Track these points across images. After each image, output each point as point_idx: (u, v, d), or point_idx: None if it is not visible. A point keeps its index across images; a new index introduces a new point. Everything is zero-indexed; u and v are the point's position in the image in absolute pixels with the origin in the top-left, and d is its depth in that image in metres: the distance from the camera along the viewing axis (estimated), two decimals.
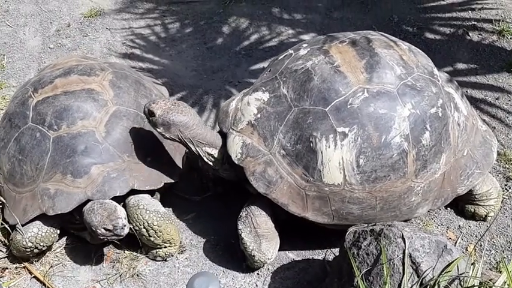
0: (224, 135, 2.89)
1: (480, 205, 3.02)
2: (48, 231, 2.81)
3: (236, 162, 2.76)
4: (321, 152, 2.60)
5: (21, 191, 2.88)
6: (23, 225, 2.79)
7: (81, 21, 4.85)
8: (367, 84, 2.61)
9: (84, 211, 2.70)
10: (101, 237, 2.66)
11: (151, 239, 2.81)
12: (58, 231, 2.88)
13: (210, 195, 3.30)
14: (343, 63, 2.69)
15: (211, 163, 2.94)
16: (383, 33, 3.00)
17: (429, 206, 2.81)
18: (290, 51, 2.94)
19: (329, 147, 2.58)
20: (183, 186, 3.33)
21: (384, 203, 2.68)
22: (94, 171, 2.79)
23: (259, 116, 2.77)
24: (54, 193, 2.77)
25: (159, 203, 3.01)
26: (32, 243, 2.77)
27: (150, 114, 2.82)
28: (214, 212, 3.21)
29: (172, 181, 3.07)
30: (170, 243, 2.88)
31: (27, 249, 2.79)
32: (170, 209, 3.23)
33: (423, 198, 2.74)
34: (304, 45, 2.93)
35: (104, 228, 2.61)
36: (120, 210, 2.70)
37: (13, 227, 2.87)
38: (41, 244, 2.80)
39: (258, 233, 2.76)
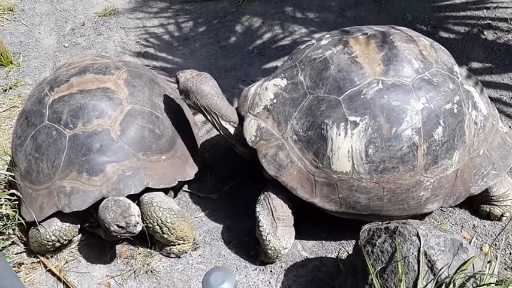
0: (242, 119, 2.97)
1: (496, 205, 2.99)
2: (70, 225, 2.87)
3: (250, 144, 2.84)
4: (331, 139, 2.64)
5: (38, 189, 2.91)
6: (39, 222, 2.83)
7: (95, 20, 4.89)
8: (382, 76, 2.63)
9: (99, 208, 2.73)
10: (114, 234, 2.69)
11: (165, 236, 2.83)
12: (79, 226, 2.93)
13: (223, 193, 3.31)
14: (361, 54, 2.71)
15: (226, 136, 3.08)
16: (406, 29, 2.99)
17: (440, 203, 2.80)
18: (312, 41, 2.98)
19: (339, 135, 2.62)
20: (197, 185, 3.35)
21: (392, 194, 2.69)
22: (109, 169, 2.82)
23: (275, 101, 2.84)
24: (70, 191, 2.80)
25: (173, 200, 3.03)
26: (56, 236, 2.82)
27: (176, 82, 3.12)
28: (227, 210, 3.22)
29: (187, 179, 3.09)
30: (184, 240, 2.90)
31: (49, 243, 2.83)
32: (184, 206, 3.25)
33: (433, 193, 2.73)
34: (327, 35, 2.96)
35: (117, 225, 2.64)
36: (134, 208, 2.72)
37: (30, 223, 2.91)
38: (64, 238, 2.86)
39: (275, 215, 2.81)
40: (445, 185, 2.73)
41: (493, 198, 2.96)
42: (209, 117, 3.07)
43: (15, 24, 4.92)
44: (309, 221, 3.10)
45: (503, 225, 2.98)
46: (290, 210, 2.86)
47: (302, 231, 3.05)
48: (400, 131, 2.58)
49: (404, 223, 2.30)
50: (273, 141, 2.80)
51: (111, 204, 2.69)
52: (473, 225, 3.03)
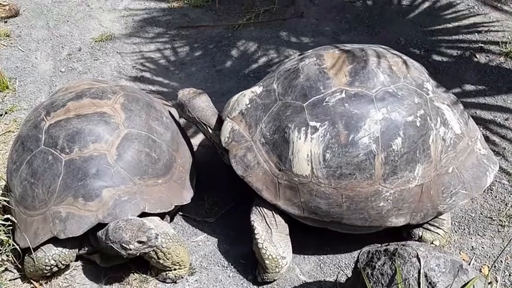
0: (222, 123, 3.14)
1: (429, 230, 2.98)
2: (70, 250, 2.83)
3: (223, 145, 3.01)
4: (293, 143, 2.75)
5: (33, 214, 2.88)
6: (34, 249, 2.79)
7: (92, 46, 4.92)
8: (347, 86, 2.74)
9: (108, 231, 2.69)
10: (134, 252, 2.65)
11: (161, 261, 2.80)
12: (77, 251, 2.89)
13: (220, 217, 3.30)
14: (331, 66, 2.85)
15: (216, 144, 3.24)
16: (386, 47, 3.08)
17: (406, 218, 2.82)
18: (296, 54, 3.11)
19: (300, 138, 2.73)
20: (194, 208, 3.33)
21: (351, 202, 2.74)
22: (105, 194, 2.79)
23: (249, 106, 3.00)
24: (65, 216, 2.77)
25: (169, 225, 3.01)
26: (55, 260, 2.79)
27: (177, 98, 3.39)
28: (224, 234, 3.20)
29: (183, 203, 3.07)
30: (180, 265, 2.86)
31: (47, 267, 2.80)
32: (180, 231, 3.22)
33: (394, 206, 2.75)
34: (310, 50, 3.10)
35: (138, 241, 2.61)
36: (148, 222, 2.71)
37: (24, 250, 2.87)
38: (62, 262, 2.82)
39: (268, 222, 2.89)
40: (408, 199, 2.76)
41: (429, 222, 2.96)
42: (200, 127, 3.33)
43: (11, 50, 4.94)
44: (307, 244, 3.09)
45: (503, 247, 2.98)
46: (281, 218, 2.92)
47: (300, 255, 3.03)
48: (357, 138, 2.66)
49: (403, 245, 2.29)
50: (243, 143, 2.93)
51: (123, 224, 2.66)
52: (472, 247, 3.02)
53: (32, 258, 2.81)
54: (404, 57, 3.01)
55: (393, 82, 2.77)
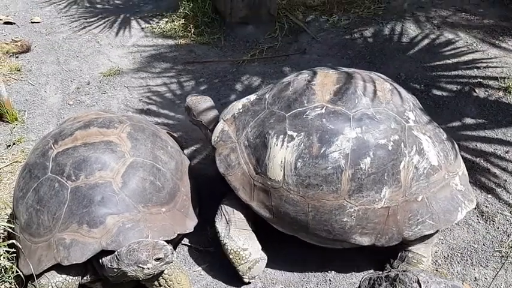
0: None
1: (410, 265, 2.96)
2: (73, 278, 2.82)
3: (212, 143, 3.21)
4: (270, 148, 2.91)
5: (37, 241, 2.88)
6: (37, 276, 2.79)
7: (100, 80, 5.05)
8: (329, 104, 2.89)
9: (121, 256, 2.68)
10: (152, 271, 2.66)
11: None
12: (80, 279, 2.88)
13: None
14: (319, 83, 3.01)
15: (211, 146, 3.33)
16: (385, 77, 3.20)
17: (371, 239, 2.86)
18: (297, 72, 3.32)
19: (277, 145, 2.89)
20: (196, 237, 3.35)
21: (316, 212, 2.83)
22: (109, 221, 2.81)
23: (241, 111, 3.20)
24: (69, 243, 2.77)
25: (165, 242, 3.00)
26: (58, 287, 2.78)
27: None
28: (225, 264, 3.19)
29: (186, 232, 3.09)
30: None
31: None
32: (182, 260, 3.23)
33: (358, 223, 2.81)
34: (310, 68, 3.30)
35: (156, 259, 2.62)
36: (160, 240, 2.73)
37: (28, 277, 2.88)
38: None
39: (227, 218, 3.06)
40: (373, 219, 2.80)
41: (409, 255, 2.97)
42: (202, 130, 3.55)
43: (21, 84, 5.07)
44: (309, 274, 3.08)
45: (506, 278, 2.96)
46: (245, 219, 3.08)
47: (302, 286, 3.02)
48: (328, 152, 2.77)
49: (404, 271, 2.30)
50: (229, 144, 3.12)
51: (137, 246, 2.67)
52: (475, 277, 3.01)
53: (35, 286, 2.81)
54: (396, 86, 3.11)
55: (374, 106, 2.88)
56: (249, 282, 3.07)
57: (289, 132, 2.87)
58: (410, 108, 2.99)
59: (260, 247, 3.09)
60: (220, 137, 3.17)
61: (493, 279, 2.96)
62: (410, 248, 2.97)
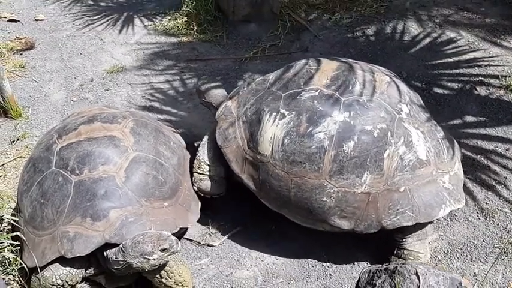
0: None
1: (406, 261, 2.96)
2: (77, 271, 2.85)
3: (216, 117, 3.43)
4: (263, 124, 3.06)
5: (41, 234, 2.91)
6: (41, 268, 2.82)
7: (103, 77, 5.09)
8: (323, 87, 3.00)
9: (126, 249, 2.71)
10: (158, 262, 2.69)
11: (163, 280, 2.82)
12: (83, 271, 2.91)
13: (224, 241, 3.34)
14: (319, 69, 3.15)
15: None
16: (387, 70, 3.27)
17: (351, 223, 2.92)
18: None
19: (269, 121, 3.04)
20: (198, 232, 3.39)
21: (298, 189, 2.94)
22: (112, 214, 2.84)
23: (245, 89, 3.41)
24: (73, 236, 2.80)
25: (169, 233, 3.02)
26: (62, 280, 2.81)
27: (197, 91, 3.89)
28: (228, 258, 3.23)
29: (188, 226, 3.12)
30: (183, 285, 2.88)
31: (53, 287, 2.81)
32: (185, 254, 3.26)
33: (337, 205, 2.88)
34: (316, 58, 3.40)
35: (161, 249, 2.65)
36: (166, 232, 2.76)
37: (31, 270, 2.91)
38: (69, 283, 2.84)
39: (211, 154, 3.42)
40: (352, 203, 2.86)
41: (405, 252, 2.98)
42: (212, 111, 3.69)
43: (25, 80, 5.11)
44: (310, 269, 3.11)
45: (505, 274, 2.98)
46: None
47: (303, 281, 3.05)
48: (314, 132, 2.88)
49: (403, 263, 2.33)
50: (229, 118, 3.32)
51: (142, 238, 2.71)
52: (474, 273, 3.03)
53: (38, 278, 2.85)
54: (397, 80, 3.15)
55: (366, 94, 2.96)
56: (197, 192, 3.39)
57: (282, 111, 3.01)
58: (406, 102, 3.02)
59: (224, 182, 3.44)
60: (223, 112, 3.38)
61: (488, 271, 2.98)
62: (404, 246, 2.99)
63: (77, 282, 2.93)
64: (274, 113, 3.03)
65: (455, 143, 3.25)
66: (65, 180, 2.93)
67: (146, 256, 2.67)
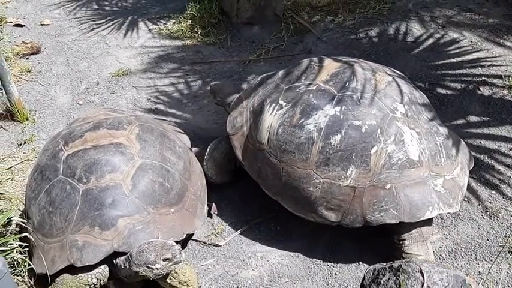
0: None
1: None
2: (106, 269, 2.89)
3: (228, 109, 3.69)
4: (263, 114, 3.25)
5: (50, 242, 2.95)
6: (51, 276, 2.85)
7: (109, 80, 5.13)
8: (322, 83, 3.14)
9: (132, 257, 2.75)
10: (161, 271, 2.72)
11: (168, 280, 2.86)
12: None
13: (230, 242, 3.39)
14: (322, 66, 3.27)
15: None
16: (393, 71, 3.32)
17: (337, 216, 3.00)
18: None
19: (268, 111, 3.22)
20: (204, 232, 3.44)
21: (288, 177, 3.08)
22: (120, 223, 2.86)
23: (257, 82, 3.60)
24: (82, 245, 2.83)
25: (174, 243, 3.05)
26: (98, 279, 2.84)
27: (210, 91, 4.12)
28: (233, 258, 3.27)
29: (195, 231, 3.16)
30: (188, 285, 2.91)
31: (89, 286, 2.84)
32: (190, 254, 3.31)
33: (322, 195, 2.98)
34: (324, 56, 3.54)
35: (164, 259, 2.69)
36: (170, 241, 2.79)
37: (42, 275, 2.94)
38: (102, 281, 2.87)
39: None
40: (337, 195, 2.95)
41: (402, 255, 3.00)
42: (226, 108, 3.82)
43: (32, 84, 5.16)
44: (315, 268, 3.15)
45: (510, 273, 3.01)
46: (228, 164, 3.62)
47: (308, 280, 3.09)
48: (305, 123, 3.02)
49: (407, 261, 2.37)
50: (239, 108, 3.54)
51: (147, 246, 2.74)
52: (479, 272, 3.06)
53: (75, 277, 2.82)
54: (399, 80, 3.18)
55: (362, 91, 3.03)
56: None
57: (280, 102, 3.18)
58: (404, 102, 3.05)
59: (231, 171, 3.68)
60: (235, 103, 3.62)
61: (490, 269, 3.01)
62: (402, 249, 3.00)
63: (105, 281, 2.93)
64: (274, 104, 3.21)
65: (465, 150, 3.25)
66: (72, 189, 2.95)
67: (149, 265, 2.71)
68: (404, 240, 2.99)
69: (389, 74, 3.21)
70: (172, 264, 2.74)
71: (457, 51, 4.91)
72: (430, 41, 5.09)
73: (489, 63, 4.69)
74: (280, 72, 3.49)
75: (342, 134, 2.92)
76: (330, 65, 3.25)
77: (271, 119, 3.18)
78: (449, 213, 3.13)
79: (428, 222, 3.02)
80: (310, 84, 3.15)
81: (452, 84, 4.54)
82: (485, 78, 4.52)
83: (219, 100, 3.94)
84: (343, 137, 2.92)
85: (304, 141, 3.01)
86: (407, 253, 2.99)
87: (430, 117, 3.15)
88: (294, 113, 3.08)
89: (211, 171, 3.61)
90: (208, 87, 4.38)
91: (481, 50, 4.88)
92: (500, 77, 4.50)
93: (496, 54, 4.81)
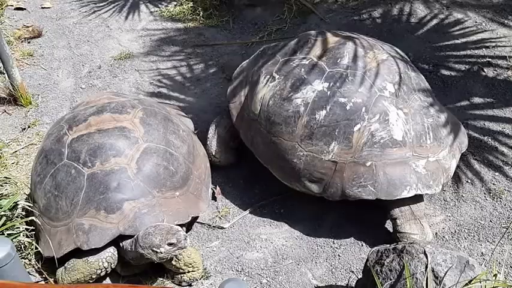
0: None
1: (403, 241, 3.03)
2: (115, 252, 2.93)
3: (230, 77, 3.76)
4: (258, 85, 3.35)
5: (56, 225, 2.99)
6: (58, 258, 2.90)
7: (111, 64, 5.11)
8: (315, 58, 3.19)
9: (138, 239, 2.79)
10: (166, 255, 2.77)
11: (173, 262, 2.90)
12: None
13: (234, 224, 3.42)
14: (321, 40, 3.30)
15: None
16: (392, 49, 3.34)
17: (320, 188, 3.10)
18: None
19: (262, 83, 3.32)
20: (208, 215, 3.47)
21: (275, 148, 3.19)
22: (126, 207, 2.89)
23: (259, 53, 3.65)
24: (88, 228, 2.87)
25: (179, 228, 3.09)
26: (108, 262, 2.89)
27: (221, 68, 4.39)
28: (238, 240, 3.31)
29: (199, 214, 3.19)
30: (193, 266, 2.96)
31: (101, 270, 2.88)
32: (195, 237, 3.34)
33: (305, 168, 3.08)
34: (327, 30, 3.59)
35: (168, 244, 2.73)
36: (175, 226, 2.82)
37: (49, 258, 2.99)
38: (113, 264, 2.92)
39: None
40: (320, 169, 3.05)
41: (397, 235, 3.04)
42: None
43: (34, 68, 5.15)
44: (319, 250, 3.18)
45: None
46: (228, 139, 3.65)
47: (312, 261, 3.12)
48: (294, 97, 3.11)
49: (411, 243, 2.39)
50: (240, 78, 3.65)
51: (153, 230, 2.78)
52: (482, 253, 3.08)
53: (90, 257, 2.86)
54: (396, 59, 3.17)
55: (352, 68, 3.06)
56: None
57: (274, 74, 3.27)
58: (394, 82, 3.05)
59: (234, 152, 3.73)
60: (237, 73, 3.71)
61: (494, 250, 3.04)
62: (397, 228, 3.05)
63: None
64: (268, 76, 3.29)
65: (458, 133, 3.25)
66: (77, 173, 2.98)
67: (154, 248, 2.75)
68: (396, 219, 3.03)
69: (386, 52, 3.20)
70: (177, 249, 2.78)
71: (461, 32, 4.86)
72: (434, 21, 5.04)
73: (494, 44, 4.65)
74: (281, 44, 3.53)
75: (327, 110, 2.99)
76: (327, 40, 3.28)
77: (264, 90, 3.26)
78: (427, 194, 3.10)
79: (417, 200, 3.04)
80: (304, 58, 3.21)
81: (456, 66, 4.51)
82: (490, 60, 4.48)
83: (227, 75, 3.99)
84: (327, 113, 2.98)
85: (291, 114, 3.09)
86: (401, 232, 3.02)
87: (423, 98, 3.14)
88: (285, 86, 3.16)
89: (215, 149, 3.62)
90: (211, 70, 4.38)
91: (485, 30, 4.83)
92: (504, 58, 4.47)
93: (501, 35, 4.76)
